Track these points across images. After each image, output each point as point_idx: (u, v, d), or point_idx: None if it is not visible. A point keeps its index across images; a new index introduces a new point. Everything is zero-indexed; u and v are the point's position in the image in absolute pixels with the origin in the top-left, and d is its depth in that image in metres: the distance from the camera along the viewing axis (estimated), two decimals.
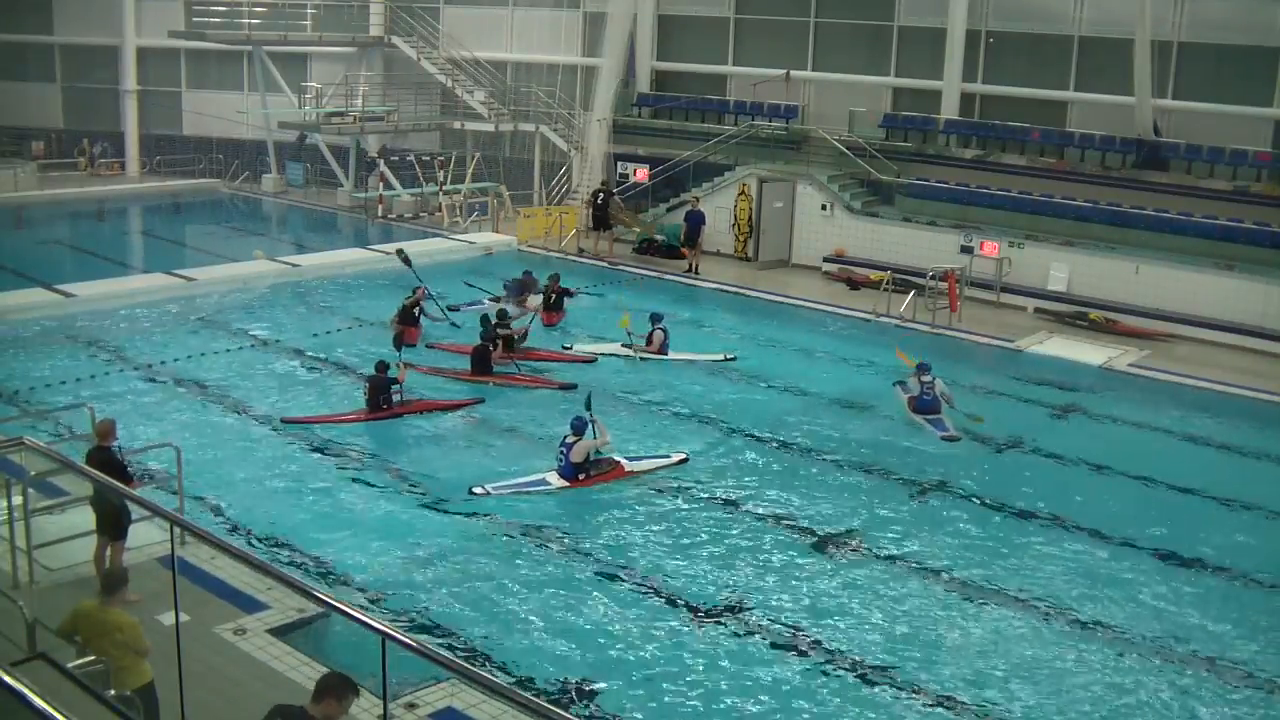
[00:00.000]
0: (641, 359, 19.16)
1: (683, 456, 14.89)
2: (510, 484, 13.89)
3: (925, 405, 16.73)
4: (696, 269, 26.01)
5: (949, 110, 27.50)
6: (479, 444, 15.45)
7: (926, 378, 16.78)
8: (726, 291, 24.81)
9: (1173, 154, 24.53)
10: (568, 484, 13.92)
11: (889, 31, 28.63)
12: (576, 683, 9.90)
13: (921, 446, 15.96)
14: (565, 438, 14.10)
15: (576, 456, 13.87)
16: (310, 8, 35.08)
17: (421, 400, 16.49)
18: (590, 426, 14.11)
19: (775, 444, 15.83)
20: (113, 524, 10.00)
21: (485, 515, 13.13)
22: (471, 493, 13.57)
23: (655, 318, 19.66)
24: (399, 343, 17.33)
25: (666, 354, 19.38)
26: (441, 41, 34.45)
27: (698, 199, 27.21)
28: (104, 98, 37.41)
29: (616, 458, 14.43)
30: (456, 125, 33.98)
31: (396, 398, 16.06)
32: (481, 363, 17.84)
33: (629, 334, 19.19)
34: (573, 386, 17.31)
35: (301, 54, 35.94)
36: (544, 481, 13.97)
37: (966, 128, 27.31)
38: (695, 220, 26.29)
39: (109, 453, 10.40)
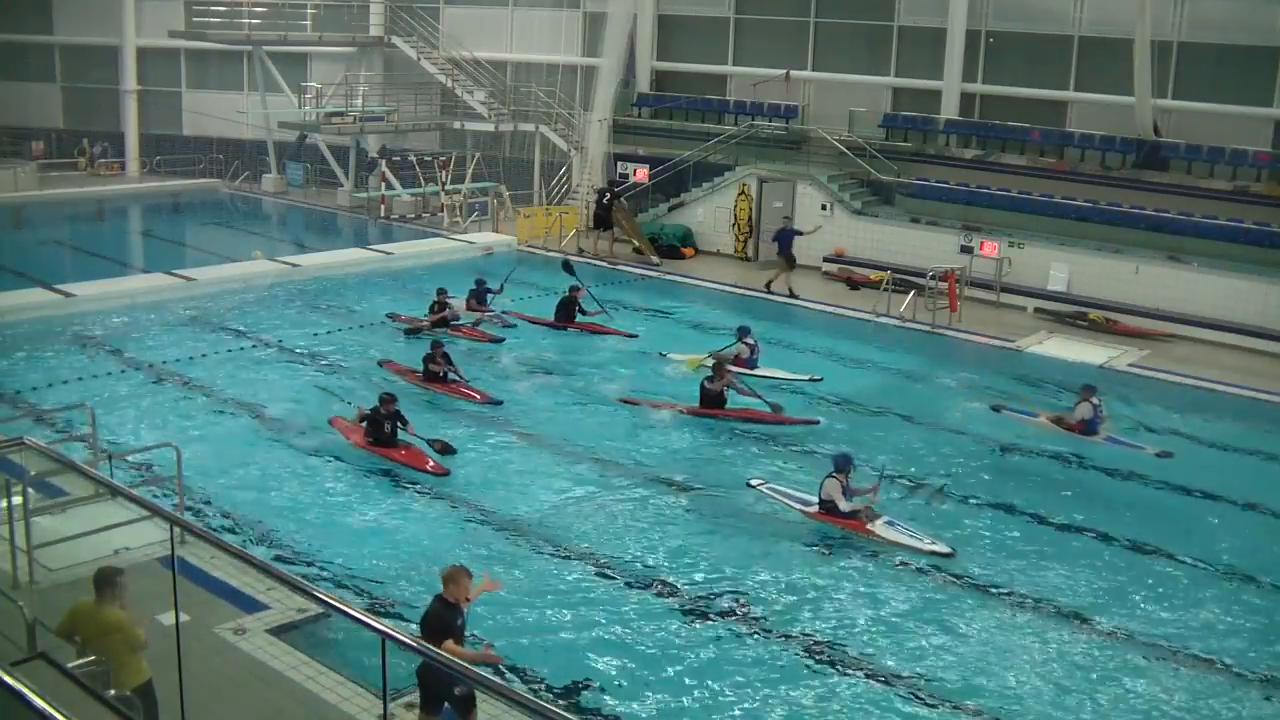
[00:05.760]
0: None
1: (947, 551, 12.58)
2: (784, 493, 13.82)
3: (1095, 428, 15.73)
4: (792, 292, 23.94)
5: (949, 110, 27.52)
6: (484, 452, 15.48)
7: (1096, 399, 15.75)
8: (726, 291, 24.83)
9: (1173, 154, 24.53)
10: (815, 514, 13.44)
11: (889, 31, 28.65)
12: (576, 683, 9.89)
13: (921, 447, 15.96)
14: (832, 470, 13.48)
15: (824, 493, 13.29)
16: (310, 8, 35.11)
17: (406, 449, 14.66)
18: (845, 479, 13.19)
19: (779, 445, 15.84)
20: (451, 697, 8.31)
21: (489, 515, 13.14)
22: (749, 484, 14.10)
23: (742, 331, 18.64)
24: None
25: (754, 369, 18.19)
26: (441, 41, 34.47)
27: (788, 218, 25.49)
28: (104, 98, 37.45)
29: (864, 515, 13.13)
30: (456, 125, 34.01)
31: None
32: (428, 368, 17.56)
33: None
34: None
35: (301, 54, 35.99)
36: (808, 503, 13.53)
37: (966, 128, 27.32)
38: (787, 237, 24.23)
39: (456, 611, 8.40)
